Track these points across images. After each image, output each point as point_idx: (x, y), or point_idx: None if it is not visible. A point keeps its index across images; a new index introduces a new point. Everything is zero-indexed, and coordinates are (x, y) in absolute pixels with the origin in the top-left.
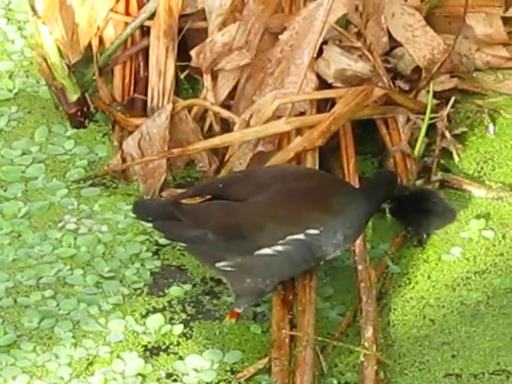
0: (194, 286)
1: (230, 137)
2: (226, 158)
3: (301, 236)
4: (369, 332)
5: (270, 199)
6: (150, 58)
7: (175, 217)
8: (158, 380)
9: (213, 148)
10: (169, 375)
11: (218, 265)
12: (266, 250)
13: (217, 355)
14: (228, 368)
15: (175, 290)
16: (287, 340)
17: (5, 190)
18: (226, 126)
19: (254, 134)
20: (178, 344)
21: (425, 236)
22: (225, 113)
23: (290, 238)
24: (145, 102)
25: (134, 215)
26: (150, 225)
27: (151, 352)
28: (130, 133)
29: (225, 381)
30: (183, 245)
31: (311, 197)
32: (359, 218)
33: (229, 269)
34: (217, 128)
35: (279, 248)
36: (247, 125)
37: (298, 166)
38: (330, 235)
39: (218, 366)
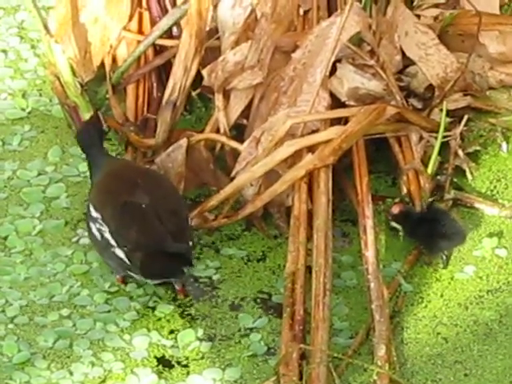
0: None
1: (239, 180)
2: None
3: None
4: (382, 351)
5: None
6: (179, 53)
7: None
8: None
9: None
10: None
11: None
12: None
13: (217, 373)
14: None
15: (174, 303)
16: (295, 355)
17: (25, 209)
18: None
19: (262, 169)
20: (188, 359)
21: (444, 257)
22: (241, 148)
23: None
24: None
25: None
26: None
27: (164, 367)
28: (144, 154)
29: None
30: None
31: None
32: None
33: None
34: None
35: None
36: (257, 142)
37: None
38: None
39: None
